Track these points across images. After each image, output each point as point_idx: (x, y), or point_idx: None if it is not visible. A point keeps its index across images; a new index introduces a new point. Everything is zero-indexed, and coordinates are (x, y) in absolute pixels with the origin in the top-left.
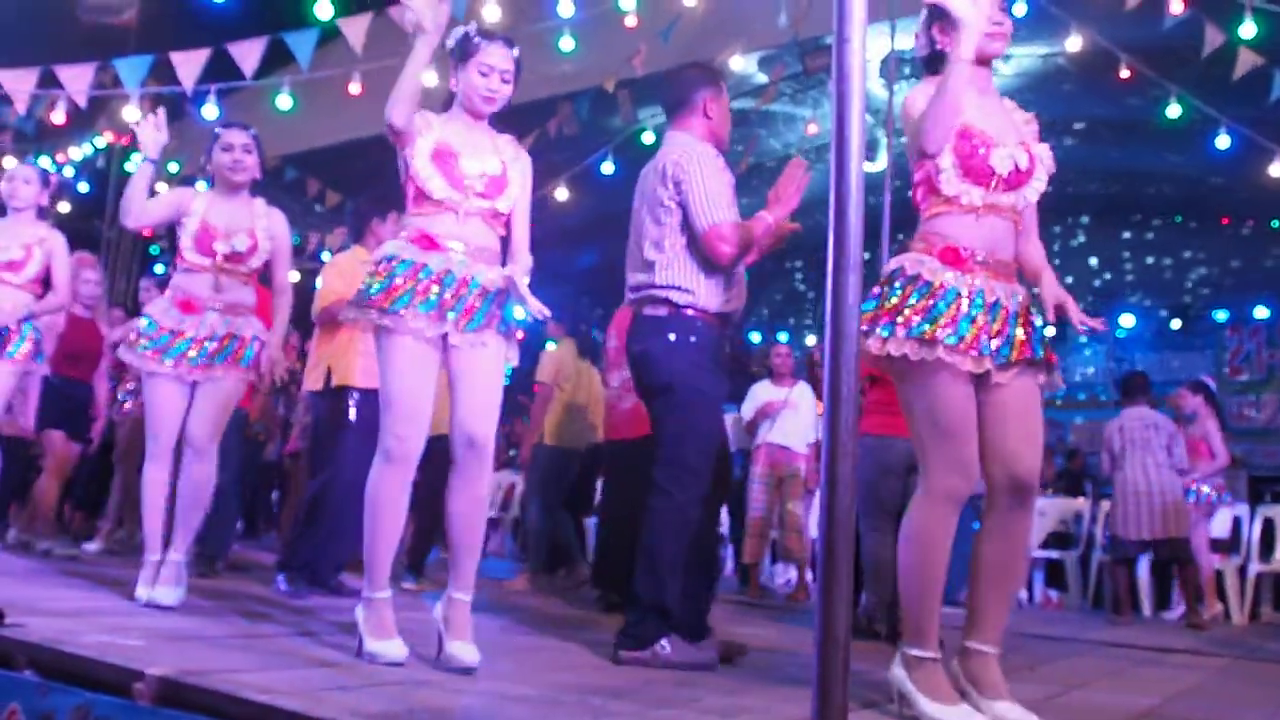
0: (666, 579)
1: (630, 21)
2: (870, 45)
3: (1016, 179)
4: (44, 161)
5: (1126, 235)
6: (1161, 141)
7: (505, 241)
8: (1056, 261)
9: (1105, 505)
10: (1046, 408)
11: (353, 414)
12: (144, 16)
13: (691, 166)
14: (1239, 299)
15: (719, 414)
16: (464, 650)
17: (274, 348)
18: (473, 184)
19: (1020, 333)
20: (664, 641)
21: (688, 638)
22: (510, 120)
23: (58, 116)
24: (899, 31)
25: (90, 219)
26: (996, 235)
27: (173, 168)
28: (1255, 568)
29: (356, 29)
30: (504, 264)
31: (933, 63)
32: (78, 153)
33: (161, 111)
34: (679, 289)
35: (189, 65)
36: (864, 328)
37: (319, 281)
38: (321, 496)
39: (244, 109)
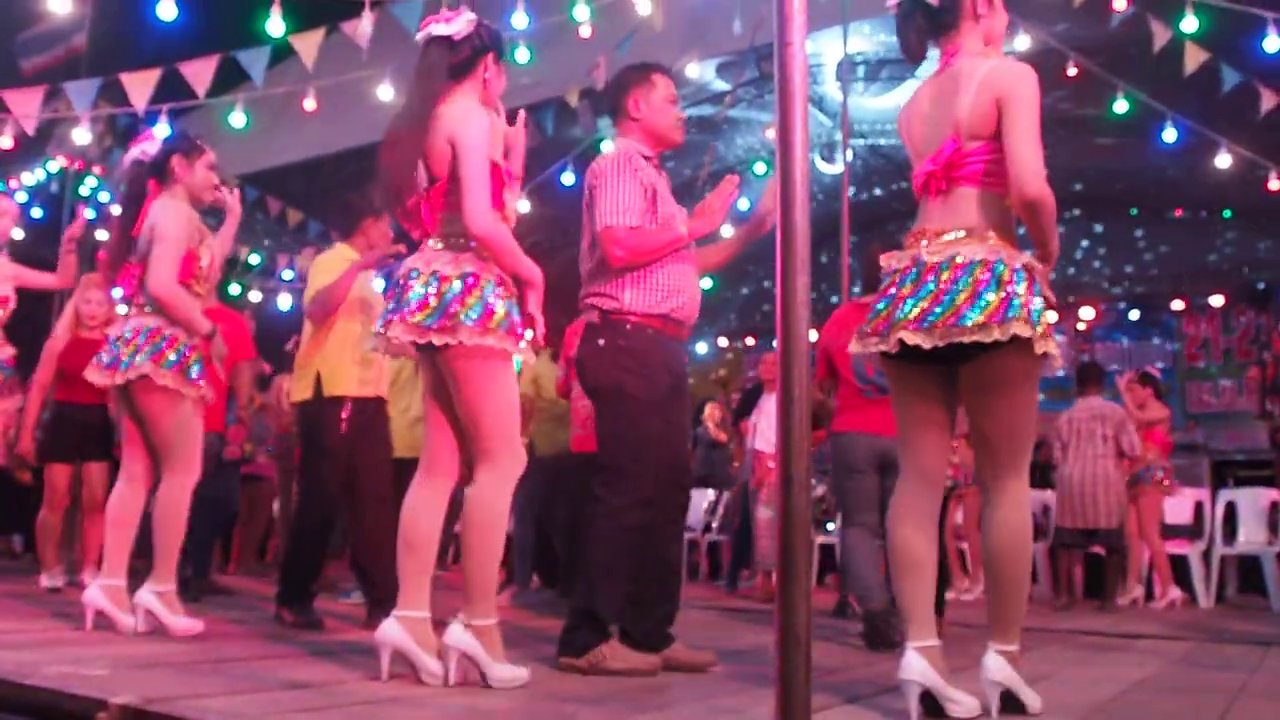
0: (599, 586)
1: (585, 32)
2: (825, 49)
3: None
4: None
5: (1082, 229)
6: (1112, 137)
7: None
8: None
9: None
10: None
11: (343, 426)
12: (93, 38)
13: (607, 171)
14: (1194, 288)
15: (657, 417)
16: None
17: None
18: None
19: None
20: (602, 648)
21: (640, 646)
22: None
23: (5, 141)
24: (851, 35)
25: (47, 245)
26: None
27: None
28: (1219, 551)
29: (309, 45)
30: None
31: (939, 15)
32: (30, 178)
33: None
34: (604, 295)
35: (140, 86)
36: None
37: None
38: (330, 517)
39: (197, 128)
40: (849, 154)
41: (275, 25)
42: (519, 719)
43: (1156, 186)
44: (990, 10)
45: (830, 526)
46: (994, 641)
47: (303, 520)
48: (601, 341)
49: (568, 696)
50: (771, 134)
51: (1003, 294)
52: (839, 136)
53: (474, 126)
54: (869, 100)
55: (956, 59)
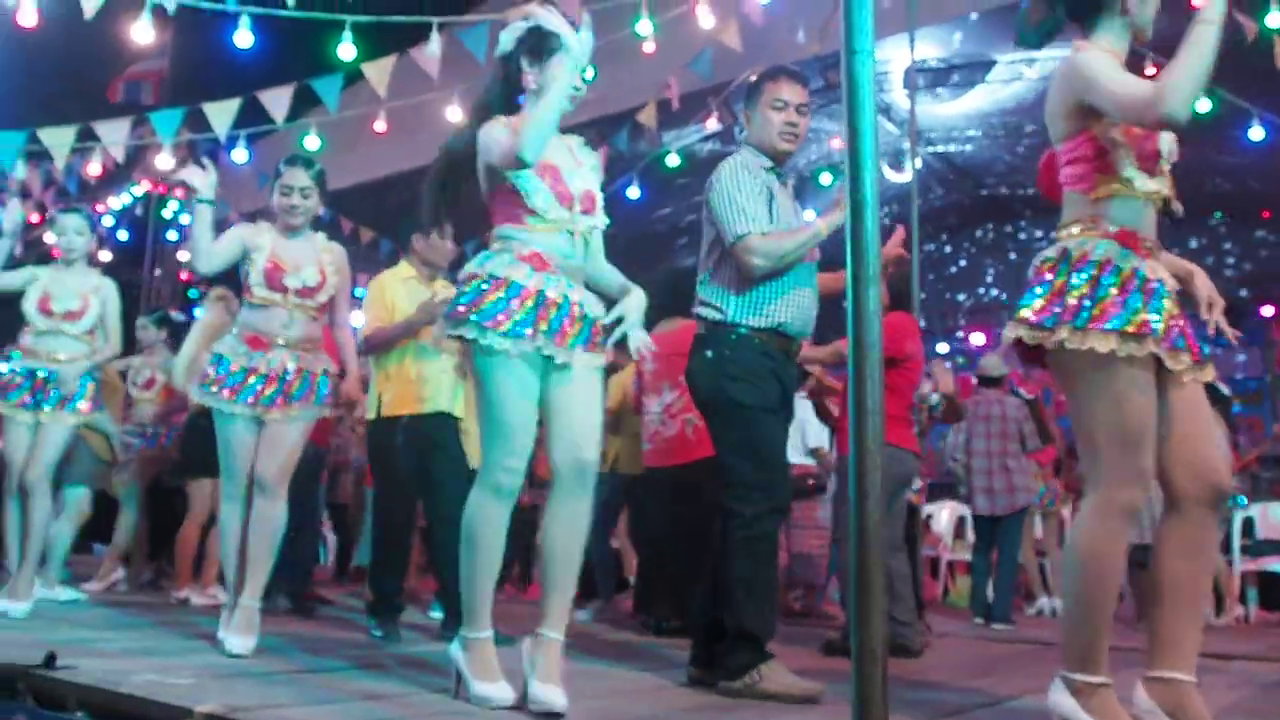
0: (745, 602)
1: (649, 48)
2: (892, 57)
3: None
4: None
5: (1166, 235)
6: (1195, 137)
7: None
8: None
9: None
10: None
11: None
12: (175, 69)
13: (720, 180)
14: None
15: (770, 423)
16: (551, 694)
17: (353, 381)
18: (582, 203)
19: (1189, 327)
20: (760, 668)
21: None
22: None
23: (94, 168)
24: (918, 41)
25: (132, 266)
26: (1154, 226)
27: None
28: None
29: (380, 71)
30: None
31: (1082, 8)
32: (116, 202)
33: (205, 161)
34: (710, 305)
35: (221, 114)
36: (1032, 318)
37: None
38: (398, 535)
39: (274, 151)
40: (917, 162)
41: (347, 50)
42: None
43: (1242, 188)
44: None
45: None
46: (1059, 665)
47: (375, 536)
48: (709, 353)
49: (632, 716)
50: (837, 143)
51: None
52: (907, 144)
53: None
54: (937, 107)
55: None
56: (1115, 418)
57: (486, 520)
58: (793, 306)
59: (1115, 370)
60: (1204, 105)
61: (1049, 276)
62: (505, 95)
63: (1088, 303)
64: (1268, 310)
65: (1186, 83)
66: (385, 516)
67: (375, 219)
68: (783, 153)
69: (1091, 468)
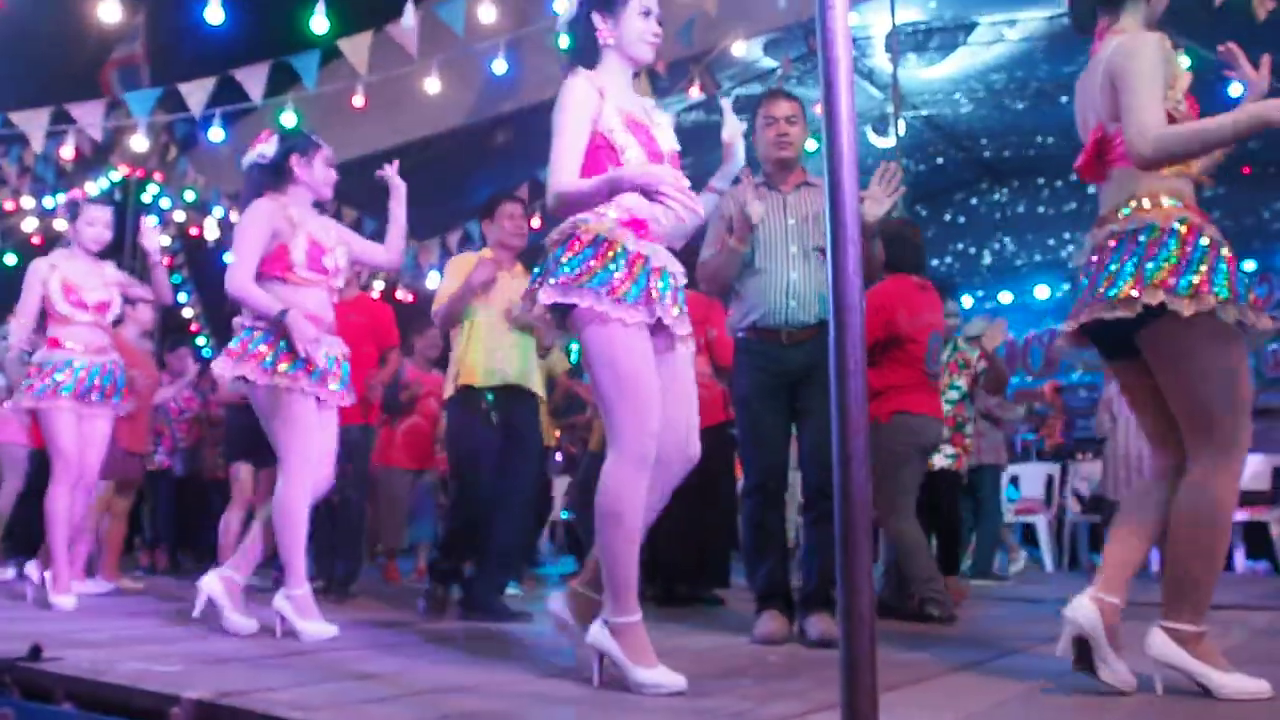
0: (746, 564)
1: None
2: (874, 21)
3: None
4: (61, 199)
5: None
6: None
7: None
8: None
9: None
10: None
11: (494, 417)
12: (151, 48)
13: None
14: (1267, 248)
15: (744, 414)
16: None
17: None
18: (669, 162)
19: None
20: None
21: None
22: (526, 122)
23: (67, 152)
24: (899, 6)
25: (112, 252)
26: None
27: (189, 196)
28: None
29: (357, 47)
30: None
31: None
32: (93, 188)
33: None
34: None
35: (197, 93)
36: (1167, 285)
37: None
38: (473, 518)
39: (250, 129)
40: (901, 126)
41: (319, 23)
42: (585, 710)
43: None
44: None
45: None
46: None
47: (449, 520)
48: None
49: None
50: (819, 109)
51: (1141, 261)
52: (890, 109)
53: None
54: (921, 71)
55: (1102, 40)
56: (1234, 384)
57: (635, 493)
58: (761, 305)
59: (1234, 338)
60: (1184, 62)
61: (1154, 250)
62: (587, 52)
63: (1204, 269)
64: (1249, 265)
65: (1178, 150)
66: (459, 502)
67: (358, 198)
68: (780, 159)
69: (1193, 438)
